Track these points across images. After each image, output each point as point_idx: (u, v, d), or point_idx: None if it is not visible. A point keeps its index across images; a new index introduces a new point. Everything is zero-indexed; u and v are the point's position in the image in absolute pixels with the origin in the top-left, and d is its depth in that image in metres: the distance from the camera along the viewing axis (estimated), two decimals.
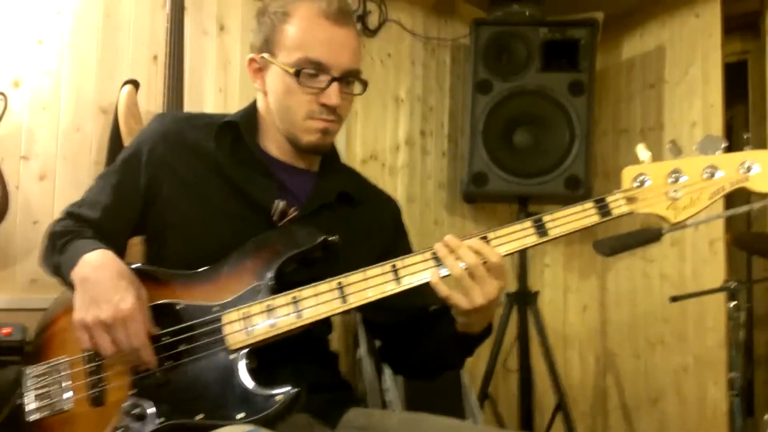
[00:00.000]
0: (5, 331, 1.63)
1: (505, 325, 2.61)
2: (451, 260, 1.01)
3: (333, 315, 1.05)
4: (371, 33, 2.73)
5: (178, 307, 1.05)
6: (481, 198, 2.89)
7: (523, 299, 2.66)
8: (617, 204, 1.05)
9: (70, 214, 1.19)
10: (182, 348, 1.03)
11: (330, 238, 1.08)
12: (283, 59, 1.12)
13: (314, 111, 1.12)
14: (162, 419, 1.00)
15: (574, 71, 2.67)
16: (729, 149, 1.05)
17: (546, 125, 2.67)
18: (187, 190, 1.15)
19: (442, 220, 2.99)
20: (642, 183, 1.06)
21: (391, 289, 1.03)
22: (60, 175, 1.97)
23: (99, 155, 2.01)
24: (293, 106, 1.13)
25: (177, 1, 2.02)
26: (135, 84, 2.00)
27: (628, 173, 1.07)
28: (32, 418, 1.04)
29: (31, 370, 1.07)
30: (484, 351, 2.49)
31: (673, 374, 2.88)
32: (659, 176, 1.05)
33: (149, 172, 1.16)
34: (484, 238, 1.04)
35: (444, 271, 1.02)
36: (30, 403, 1.05)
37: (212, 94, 2.28)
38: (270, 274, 1.05)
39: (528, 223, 1.05)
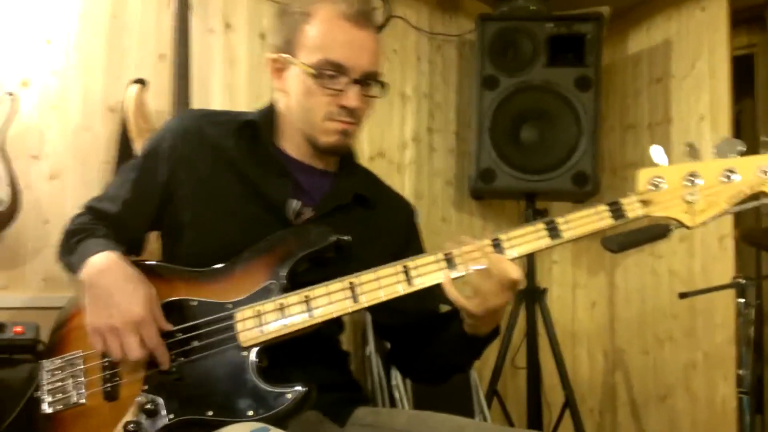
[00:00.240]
0: (17, 329, 1.64)
1: (513, 322, 2.60)
2: (463, 263, 1.01)
3: (344, 315, 1.05)
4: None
5: (191, 304, 1.07)
6: (489, 194, 2.89)
7: (532, 296, 2.65)
8: (632, 207, 1.04)
9: (90, 209, 1.20)
10: (195, 344, 1.04)
11: (342, 238, 1.08)
12: (303, 60, 1.12)
13: (333, 112, 1.13)
14: (172, 415, 1.01)
15: (580, 66, 2.66)
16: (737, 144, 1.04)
17: (553, 121, 2.66)
18: (204, 188, 1.16)
19: (450, 217, 2.98)
20: (657, 186, 1.04)
21: (402, 289, 1.03)
22: (70, 174, 1.98)
23: (108, 154, 2.02)
24: (313, 107, 1.13)
25: None
26: (143, 83, 2.01)
27: (643, 176, 1.05)
28: (47, 411, 1.06)
29: (47, 364, 1.09)
30: (492, 348, 2.47)
31: (682, 371, 2.87)
32: (675, 179, 1.04)
33: (168, 169, 1.17)
34: (496, 240, 1.04)
35: (456, 274, 1.02)
36: (45, 396, 1.07)
37: (219, 91, 2.29)
38: (283, 273, 1.06)
39: (541, 225, 1.04)
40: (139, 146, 1.92)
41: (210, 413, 1.00)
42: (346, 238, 1.09)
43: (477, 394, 2.50)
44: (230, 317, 1.04)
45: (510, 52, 2.71)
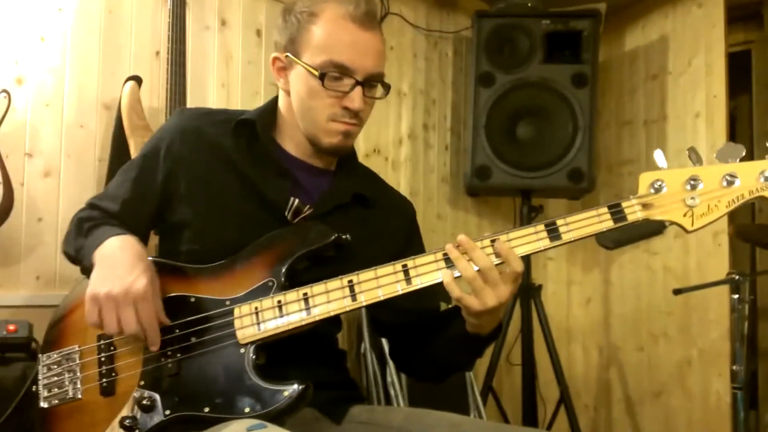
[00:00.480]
0: (10, 328, 1.63)
1: (508, 318, 2.61)
2: (463, 262, 1.01)
3: (343, 313, 1.05)
4: None
5: (189, 300, 1.07)
6: (485, 191, 2.89)
7: (527, 292, 2.66)
8: (632, 210, 1.04)
9: (93, 206, 1.21)
10: (193, 340, 1.04)
11: (342, 237, 1.08)
12: (307, 60, 1.11)
13: (337, 114, 1.12)
14: (169, 411, 1.01)
15: (576, 63, 2.66)
16: (733, 141, 1.04)
17: (549, 117, 2.66)
18: (202, 187, 1.16)
19: (446, 214, 2.98)
20: (659, 189, 1.04)
21: (401, 288, 1.03)
22: (64, 171, 1.97)
23: (103, 152, 2.01)
24: (316, 107, 1.13)
25: None
26: (138, 80, 2.00)
27: (644, 179, 1.05)
28: (43, 405, 1.06)
29: (44, 359, 1.09)
30: None
31: (676, 367, 2.88)
32: (676, 183, 1.04)
33: (167, 168, 1.17)
34: (496, 240, 1.03)
35: (457, 273, 1.02)
36: (41, 390, 1.07)
37: (214, 89, 2.28)
38: (282, 271, 1.06)
39: (541, 227, 1.04)
40: (133, 144, 1.92)
41: (206, 409, 1.00)
42: (345, 236, 1.09)
43: (472, 390, 2.50)
44: (228, 314, 1.04)
45: (506, 49, 2.71)
